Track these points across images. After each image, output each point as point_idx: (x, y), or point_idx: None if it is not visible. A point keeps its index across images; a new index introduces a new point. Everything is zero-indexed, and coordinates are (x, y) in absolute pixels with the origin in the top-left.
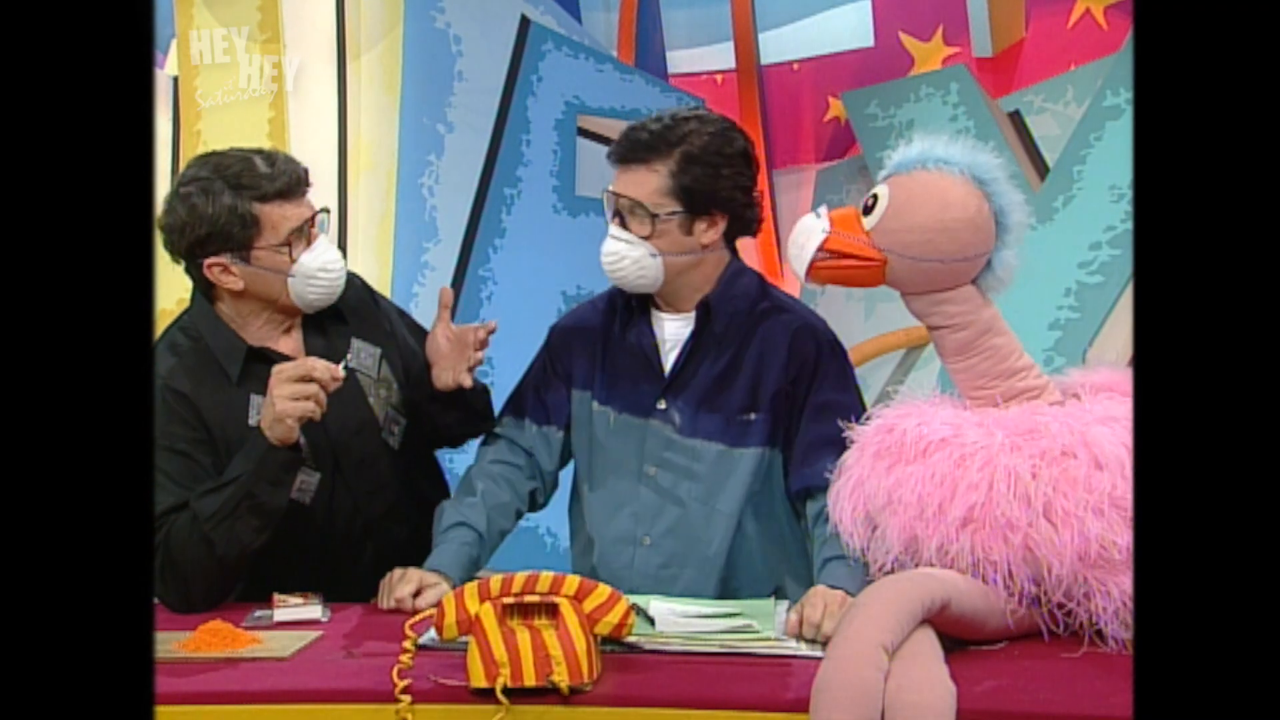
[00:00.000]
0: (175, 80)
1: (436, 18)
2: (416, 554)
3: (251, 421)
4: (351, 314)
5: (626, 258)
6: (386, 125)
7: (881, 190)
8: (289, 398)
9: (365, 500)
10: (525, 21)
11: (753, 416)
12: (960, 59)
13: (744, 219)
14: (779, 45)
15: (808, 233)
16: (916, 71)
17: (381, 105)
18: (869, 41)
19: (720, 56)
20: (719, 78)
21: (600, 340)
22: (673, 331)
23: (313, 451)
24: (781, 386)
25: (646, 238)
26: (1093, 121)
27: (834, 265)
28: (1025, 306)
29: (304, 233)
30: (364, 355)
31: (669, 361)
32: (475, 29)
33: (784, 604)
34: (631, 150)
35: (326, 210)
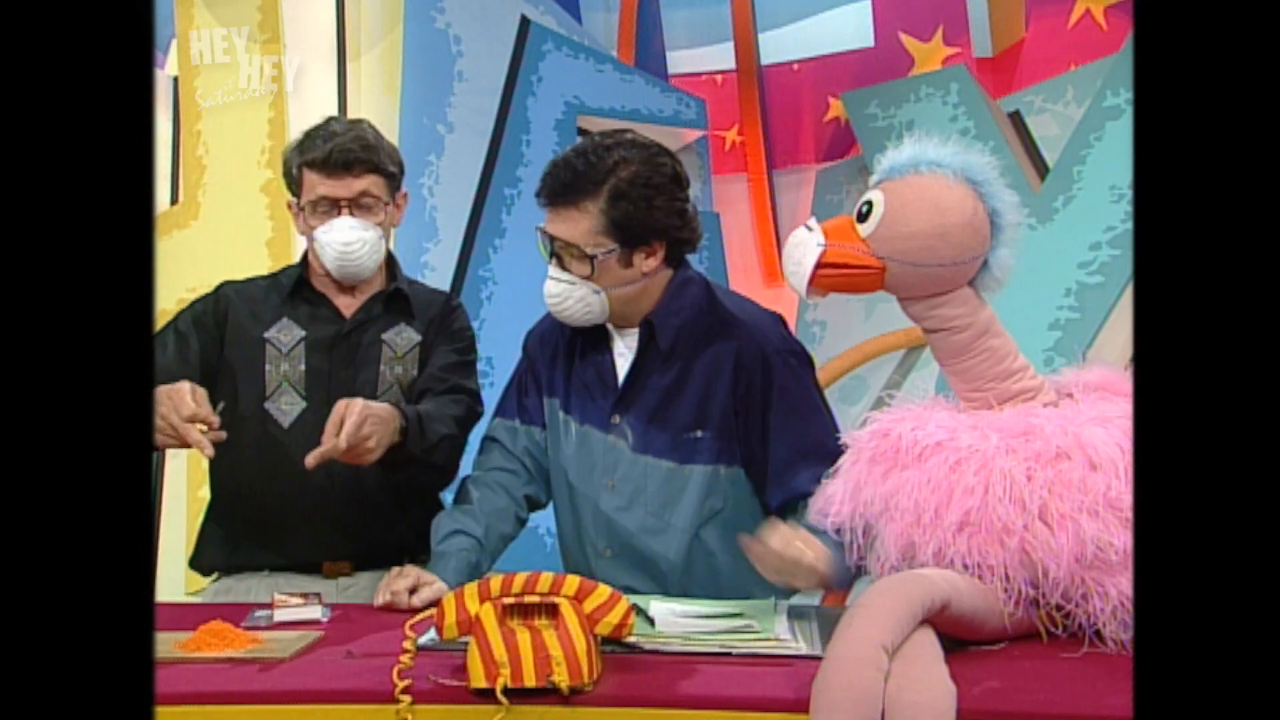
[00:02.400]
0: (175, 80)
1: (436, 18)
2: (381, 505)
3: (267, 334)
4: (420, 309)
5: (570, 298)
6: (386, 125)
7: (875, 196)
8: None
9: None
10: (525, 22)
11: (700, 434)
12: (960, 59)
13: (682, 241)
14: (779, 45)
15: (803, 248)
16: (917, 72)
17: (381, 105)
18: (869, 42)
19: (720, 57)
20: (719, 78)
21: (566, 351)
22: (625, 347)
23: (309, 380)
24: (730, 405)
25: (587, 277)
26: (1093, 122)
27: (833, 275)
28: (1025, 306)
29: (325, 207)
30: (403, 335)
31: (622, 376)
32: (475, 29)
33: (785, 604)
34: (559, 191)
35: (378, 201)
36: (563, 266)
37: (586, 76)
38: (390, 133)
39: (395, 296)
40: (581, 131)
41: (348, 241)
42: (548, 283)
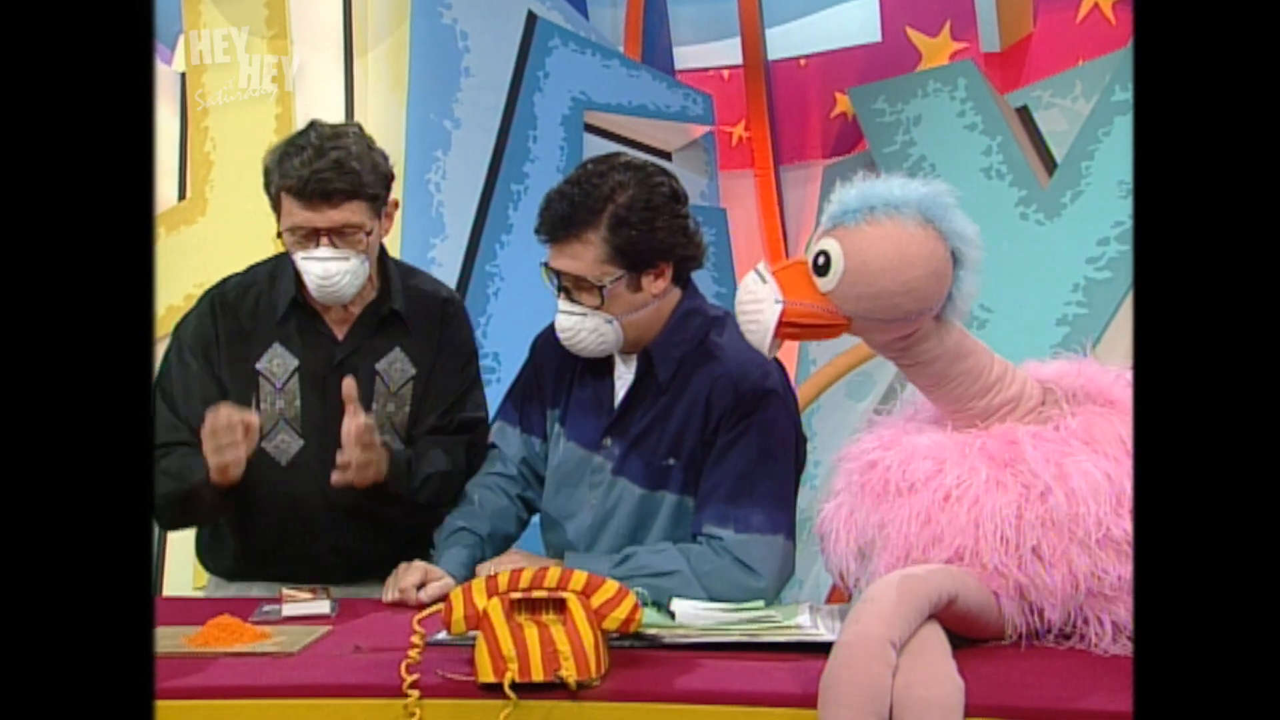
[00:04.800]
0: (183, 76)
1: (443, 14)
2: (372, 542)
3: (259, 365)
4: (416, 326)
5: (583, 329)
6: (393, 121)
7: (832, 248)
8: (212, 454)
9: (334, 490)
10: (532, 17)
11: (671, 462)
12: (968, 54)
13: (688, 258)
14: (786, 40)
15: (759, 304)
16: (924, 67)
17: (388, 102)
18: (876, 37)
19: (727, 52)
20: (726, 73)
21: (570, 366)
22: (624, 371)
23: (305, 417)
24: (700, 438)
25: (598, 307)
26: (1101, 117)
27: (794, 332)
28: (1033, 302)
29: (303, 234)
30: (396, 366)
31: (619, 401)
32: (482, 25)
33: (807, 604)
34: (559, 225)
35: (358, 230)
36: (571, 299)
37: (593, 72)
38: (397, 129)
39: (390, 319)
40: (588, 127)
41: (326, 274)
42: (559, 317)
